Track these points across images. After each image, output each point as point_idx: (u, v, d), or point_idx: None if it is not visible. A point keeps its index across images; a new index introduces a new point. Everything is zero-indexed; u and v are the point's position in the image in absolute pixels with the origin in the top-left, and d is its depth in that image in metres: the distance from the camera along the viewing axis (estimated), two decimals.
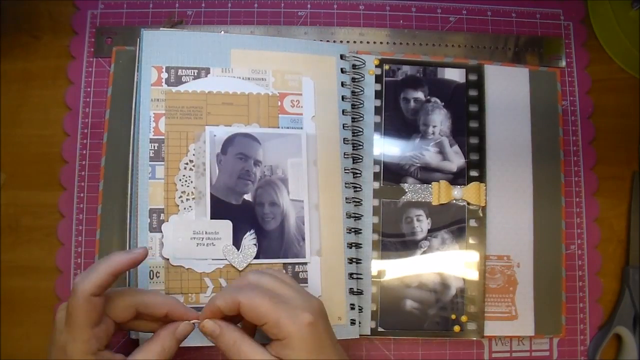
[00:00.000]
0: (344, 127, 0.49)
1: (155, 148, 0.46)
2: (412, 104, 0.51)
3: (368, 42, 0.54)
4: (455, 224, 0.50)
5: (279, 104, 0.48)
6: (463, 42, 0.55)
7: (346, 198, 0.48)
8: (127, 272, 0.45)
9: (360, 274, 0.48)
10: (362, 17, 0.55)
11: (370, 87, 0.51)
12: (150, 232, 0.45)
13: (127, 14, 0.53)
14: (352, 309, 0.47)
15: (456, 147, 0.51)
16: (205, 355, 0.48)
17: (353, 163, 0.49)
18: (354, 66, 0.51)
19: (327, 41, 0.53)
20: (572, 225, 0.53)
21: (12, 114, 0.51)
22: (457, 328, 0.49)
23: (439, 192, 0.50)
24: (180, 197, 0.45)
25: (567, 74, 0.55)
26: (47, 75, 0.52)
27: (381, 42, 0.54)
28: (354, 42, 0.54)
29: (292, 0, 0.55)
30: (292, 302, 0.37)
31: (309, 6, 0.55)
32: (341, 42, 0.53)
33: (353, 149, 0.49)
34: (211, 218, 0.45)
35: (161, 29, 0.48)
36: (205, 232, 0.45)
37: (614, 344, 0.53)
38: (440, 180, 0.50)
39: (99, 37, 0.52)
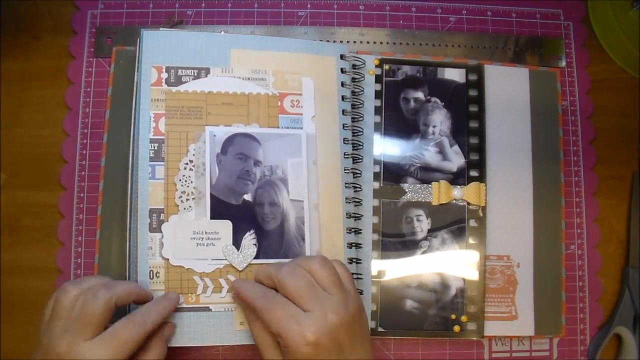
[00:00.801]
0: (344, 127, 0.49)
1: (155, 148, 0.46)
2: (412, 104, 0.51)
3: (368, 42, 0.54)
4: (455, 224, 0.50)
5: (279, 104, 0.48)
6: (463, 42, 0.55)
7: (346, 198, 0.48)
8: (127, 272, 0.45)
9: (360, 274, 0.48)
10: (362, 17, 0.55)
11: (370, 87, 0.51)
12: (150, 232, 0.45)
13: (127, 14, 0.53)
14: None
15: (456, 147, 0.51)
16: (206, 356, 0.48)
17: (353, 163, 0.49)
18: (354, 66, 0.51)
19: (327, 41, 0.53)
20: (572, 225, 0.53)
21: (12, 114, 0.51)
22: (457, 328, 0.49)
23: (439, 192, 0.50)
24: (180, 197, 0.45)
25: (567, 74, 0.55)
26: (47, 75, 0.52)
27: (381, 42, 0.54)
28: (354, 42, 0.54)
29: (292, 0, 0.55)
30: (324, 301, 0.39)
31: (309, 6, 0.55)
32: (341, 42, 0.53)
33: (353, 149, 0.49)
34: (211, 218, 0.45)
35: (161, 29, 0.48)
36: (205, 232, 0.45)
37: (614, 344, 0.53)
38: (440, 180, 0.50)
39: (99, 37, 0.52)
